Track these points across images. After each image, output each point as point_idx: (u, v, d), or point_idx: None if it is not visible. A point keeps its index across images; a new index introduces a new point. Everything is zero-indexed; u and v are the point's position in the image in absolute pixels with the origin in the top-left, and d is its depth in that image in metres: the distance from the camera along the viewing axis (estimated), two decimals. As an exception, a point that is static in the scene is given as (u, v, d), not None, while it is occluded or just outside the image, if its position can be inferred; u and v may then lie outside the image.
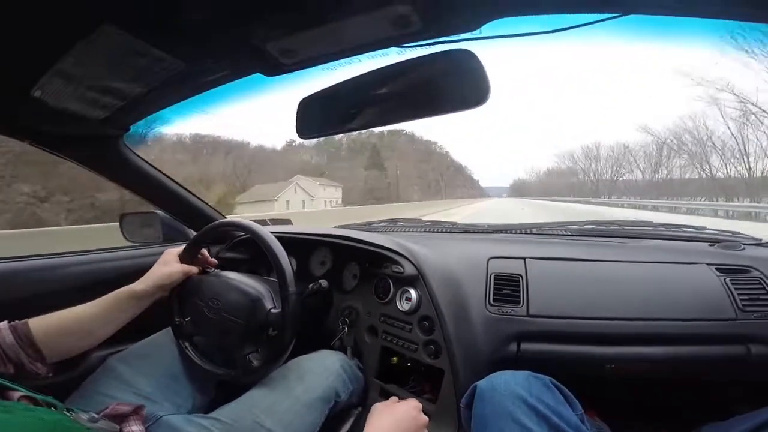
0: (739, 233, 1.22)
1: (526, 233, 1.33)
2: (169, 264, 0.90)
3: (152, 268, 0.88)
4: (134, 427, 0.68)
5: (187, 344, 0.90)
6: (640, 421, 1.13)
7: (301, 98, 0.66)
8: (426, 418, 0.78)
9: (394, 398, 0.84)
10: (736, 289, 0.94)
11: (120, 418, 0.68)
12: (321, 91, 0.64)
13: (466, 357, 0.91)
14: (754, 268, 0.99)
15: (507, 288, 0.99)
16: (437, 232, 1.46)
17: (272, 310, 0.86)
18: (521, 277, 1.01)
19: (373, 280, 1.12)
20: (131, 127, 0.98)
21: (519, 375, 0.70)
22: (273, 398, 0.80)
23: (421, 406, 0.80)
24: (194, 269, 0.93)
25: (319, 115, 0.67)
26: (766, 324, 0.90)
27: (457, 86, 0.47)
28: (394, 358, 1.08)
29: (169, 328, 0.94)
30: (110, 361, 0.86)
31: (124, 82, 0.69)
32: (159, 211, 1.36)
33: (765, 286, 0.95)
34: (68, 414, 0.56)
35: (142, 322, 0.86)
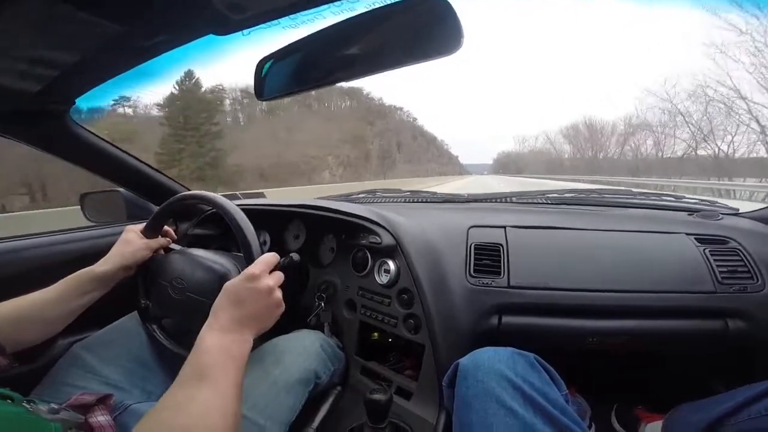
0: (716, 203, 1.22)
1: (506, 202, 1.31)
2: (131, 242, 0.85)
3: (114, 247, 0.84)
4: (100, 417, 0.63)
5: (155, 327, 0.86)
6: (619, 397, 1.15)
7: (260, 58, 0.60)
8: (279, 296, 0.68)
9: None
10: (715, 260, 0.94)
11: (84, 409, 0.64)
12: (280, 49, 0.59)
13: (446, 331, 0.89)
14: (732, 239, 0.99)
15: (487, 258, 0.97)
16: (417, 202, 1.43)
17: None
18: (501, 246, 0.99)
19: (351, 253, 1.08)
20: (76, 100, 0.90)
21: (503, 352, 0.67)
22: (248, 382, 0.76)
23: (272, 281, 0.67)
24: (159, 243, 0.89)
25: (278, 75, 0.61)
26: (744, 298, 0.90)
27: (426, 34, 0.43)
28: (375, 334, 1.06)
29: (131, 315, 0.89)
30: (74, 349, 0.81)
31: (55, 51, 0.61)
32: (121, 189, 1.30)
33: (743, 257, 0.94)
34: (27, 406, 0.53)
35: (110, 306, 0.83)
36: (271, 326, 0.66)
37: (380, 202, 1.46)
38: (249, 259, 0.75)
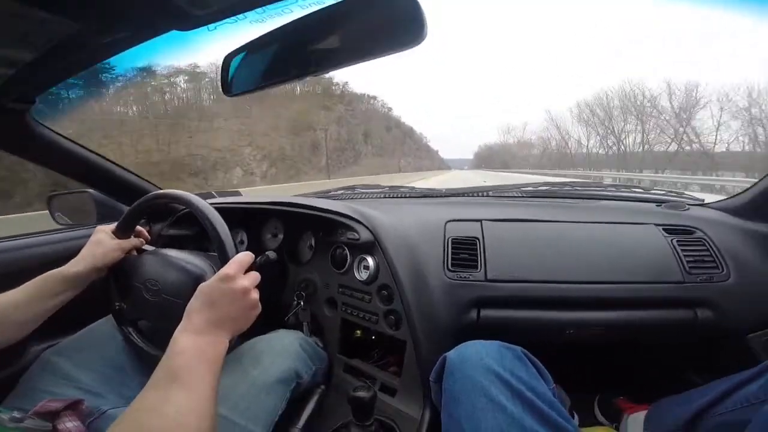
0: (683, 193, 1.26)
1: (483, 196, 1.32)
2: (102, 242, 0.82)
3: (84, 248, 0.81)
4: (69, 424, 0.61)
5: (130, 330, 0.84)
6: (600, 387, 1.18)
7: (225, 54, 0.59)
8: (255, 297, 0.66)
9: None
10: (682, 250, 0.97)
11: (52, 416, 0.61)
12: (247, 43, 0.57)
13: (426, 326, 0.89)
14: (699, 229, 1.02)
15: (464, 252, 0.98)
16: (395, 197, 1.43)
17: None
18: (478, 240, 1.00)
19: (329, 250, 1.08)
20: (36, 99, 0.87)
21: (490, 346, 0.67)
22: (226, 383, 0.74)
23: (247, 282, 0.65)
24: (132, 243, 0.87)
25: (246, 70, 0.60)
26: (710, 287, 0.93)
27: (391, 26, 0.42)
28: (358, 332, 1.06)
29: (106, 318, 0.87)
30: (46, 355, 0.79)
31: (11, 48, 0.58)
32: (91, 190, 1.25)
33: (709, 247, 0.98)
34: None
35: (83, 310, 0.81)
36: (246, 328, 0.65)
37: (359, 198, 1.45)
38: (224, 259, 0.73)
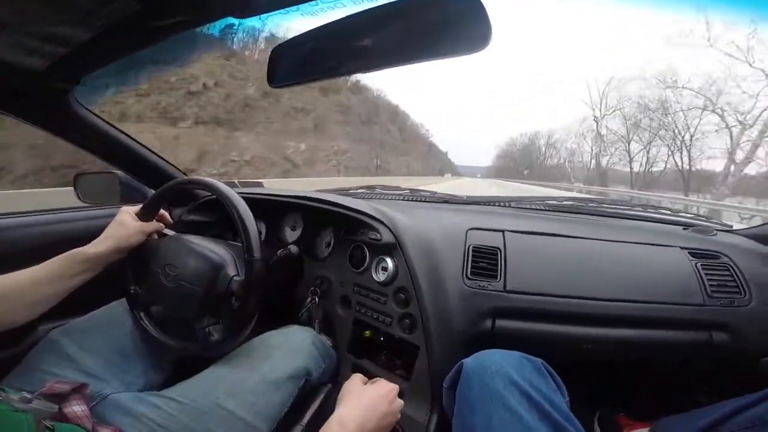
0: (712, 218, 1.25)
1: (505, 206, 1.32)
2: (125, 223, 0.82)
3: (107, 229, 0.81)
4: (76, 407, 0.61)
5: (142, 314, 0.84)
6: (600, 402, 1.16)
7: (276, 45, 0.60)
8: (400, 403, 0.72)
9: (362, 378, 0.77)
10: (706, 274, 0.96)
11: (59, 398, 0.61)
12: (297, 36, 0.58)
13: (441, 332, 0.89)
14: (724, 254, 1.01)
15: (484, 261, 0.97)
16: (416, 201, 1.43)
17: (235, 278, 0.79)
18: (499, 250, 0.99)
19: (348, 248, 1.08)
20: (81, 80, 0.87)
21: (510, 356, 0.67)
22: (236, 377, 0.74)
23: (396, 388, 0.74)
24: (154, 227, 0.87)
25: (292, 62, 0.61)
26: (730, 311, 0.92)
27: (452, 29, 0.42)
28: (367, 332, 1.06)
29: (122, 300, 0.87)
30: (53, 335, 0.78)
31: (67, 27, 0.58)
32: (118, 171, 1.26)
33: (733, 273, 0.97)
34: None
35: (96, 291, 0.79)
36: None
37: (378, 198, 1.45)
38: (248, 250, 0.74)
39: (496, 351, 0.69)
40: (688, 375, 1.16)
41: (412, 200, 1.43)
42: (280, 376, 0.77)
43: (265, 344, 0.84)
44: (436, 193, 1.50)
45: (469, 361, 0.67)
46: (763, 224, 1.11)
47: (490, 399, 0.59)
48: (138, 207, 0.86)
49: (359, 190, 1.57)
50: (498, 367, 0.63)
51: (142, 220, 0.85)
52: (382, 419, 0.66)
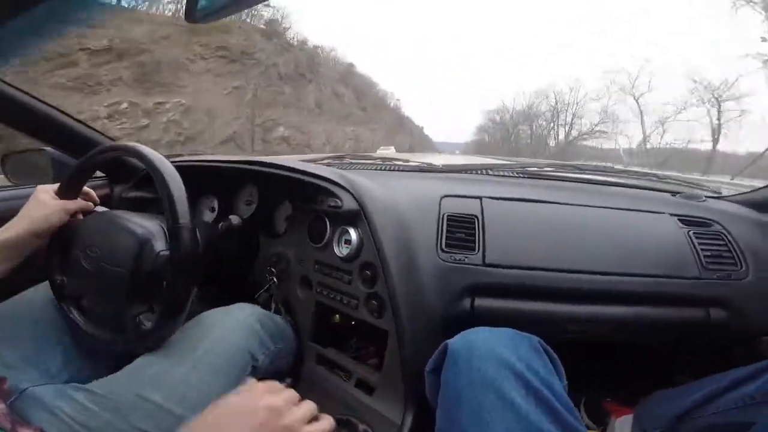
0: (701, 184, 1.18)
1: (482, 173, 1.21)
2: (43, 203, 0.71)
3: (22, 210, 0.70)
4: None
5: (71, 307, 0.71)
6: (585, 388, 1.09)
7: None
8: (301, 414, 0.47)
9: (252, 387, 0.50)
10: (699, 243, 0.89)
11: None
12: None
13: (413, 315, 0.78)
14: (717, 222, 0.94)
15: (461, 231, 0.87)
16: (388, 170, 1.31)
17: (161, 253, 0.67)
18: (477, 218, 0.89)
19: (307, 221, 0.95)
20: None
21: (503, 333, 0.58)
22: (163, 365, 0.64)
23: (289, 399, 0.47)
24: (79, 205, 0.75)
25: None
26: (727, 285, 0.86)
27: None
28: (336, 316, 0.94)
29: (42, 285, 0.75)
30: None
31: None
32: (49, 148, 1.12)
33: (727, 242, 0.90)
34: None
35: (15, 277, 0.69)
36: None
37: (347, 168, 1.33)
38: (172, 216, 0.62)
39: (485, 329, 0.60)
40: (680, 356, 1.11)
41: (383, 170, 1.31)
42: (216, 361, 0.67)
43: (199, 326, 0.72)
44: (409, 161, 1.38)
45: (454, 341, 0.58)
46: (756, 189, 1.04)
47: (480, 385, 0.50)
48: (57, 185, 0.74)
49: (325, 160, 1.44)
50: (489, 348, 0.54)
51: (63, 198, 0.73)
52: None
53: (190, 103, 17.30)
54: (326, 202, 0.88)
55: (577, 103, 49.39)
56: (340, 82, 40.05)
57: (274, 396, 0.47)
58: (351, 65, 45.69)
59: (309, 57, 32.23)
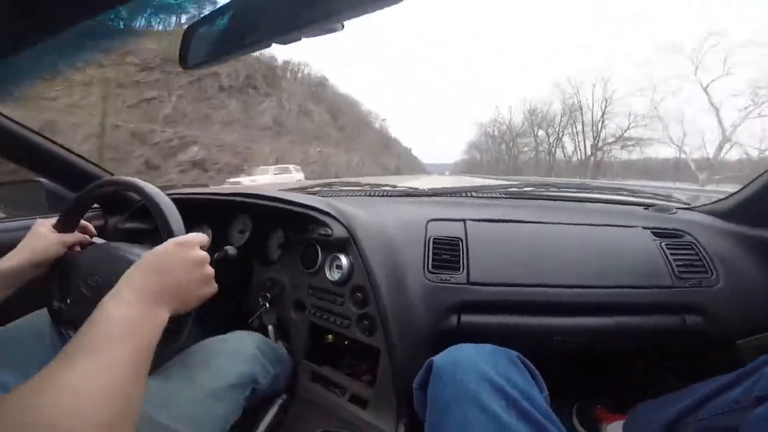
0: (671, 197, 1.25)
1: (466, 196, 1.28)
2: (42, 236, 0.74)
3: (22, 241, 0.73)
4: None
5: (70, 332, 0.74)
6: (577, 395, 1.14)
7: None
8: (211, 272, 0.59)
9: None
10: (671, 254, 0.94)
11: None
12: (210, 12, 0.51)
13: (403, 333, 0.83)
14: (687, 233, 1.00)
15: (446, 252, 0.92)
16: (375, 196, 1.37)
17: None
18: (461, 240, 0.95)
19: (300, 248, 1.00)
20: None
21: (483, 349, 0.62)
22: (170, 388, 0.67)
23: (204, 255, 0.58)
24: (76, 238, 0.78)
25: (205, 40, 0.53)
26: (700, 292, 0.91)
27: None
28: (330, 336, 0.98)
29: (40, 312, 0.79)
30: None
31: None
32: (43, 179, 1.14)
33: (698, 251, 0.96)
34: None
35: (13, 304, 0.72)
36: (193, 306, 0.56)
37: (336, 195, 1.39)
38: (167, 233, 0.65)
39: (468, 345, 0.64)
40: (662, 362, 1.15)
41: (371, 195, 1.37)
42: (221, 386, 0.70)
43: (202, 351, 0.76)
44: (396, 186, 1.44)
45: (439, 358, 0.62)
46: (720, 199, 1.11)
47: (463, 398, 0.54)
48: (55, 219, 0.78)
49: (315, 188, 1.50)
50: (471, 363, 0.57)
51: (61, 232, 0.76)
52: (181, 274, 0.54)
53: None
54: (317, 230, 0.94)
55: (605, 100, 39.84)
56: (310, 99, 36.58)
57: (199, 251, 0.58)
58: (324, 79, 41.67)
59: (268, 69, 28.15)
